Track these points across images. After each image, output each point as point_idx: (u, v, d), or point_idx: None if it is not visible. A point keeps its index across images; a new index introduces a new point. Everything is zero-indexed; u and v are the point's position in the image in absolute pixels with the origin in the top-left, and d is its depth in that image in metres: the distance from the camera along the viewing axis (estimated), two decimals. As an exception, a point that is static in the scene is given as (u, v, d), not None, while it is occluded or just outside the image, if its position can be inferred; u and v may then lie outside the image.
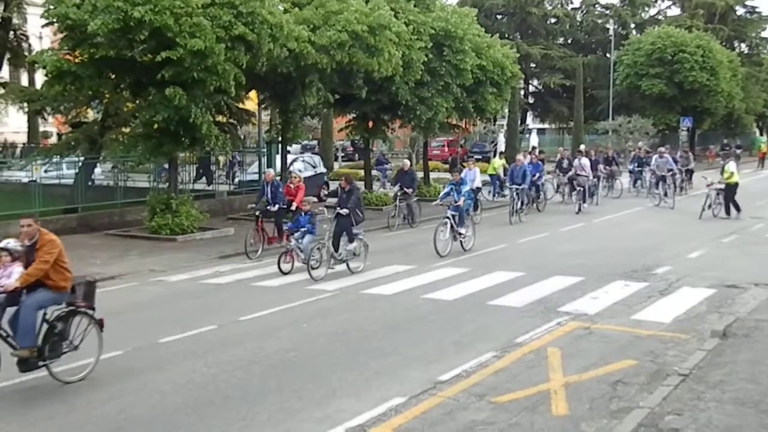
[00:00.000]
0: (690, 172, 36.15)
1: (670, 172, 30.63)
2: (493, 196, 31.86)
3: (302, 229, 16.91)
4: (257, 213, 19.38)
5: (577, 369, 10.08)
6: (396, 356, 10.79)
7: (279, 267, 16.81)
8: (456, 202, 19.39)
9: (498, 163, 33.39)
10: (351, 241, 16.83)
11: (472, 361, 10.45)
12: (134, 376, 9.97)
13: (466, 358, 10.60)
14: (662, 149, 33.14)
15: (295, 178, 20.05)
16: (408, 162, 26.90)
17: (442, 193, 20.81)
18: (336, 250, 16.63)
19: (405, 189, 24.81)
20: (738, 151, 56.98)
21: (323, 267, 16.35)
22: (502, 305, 13.81)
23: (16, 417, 8.63)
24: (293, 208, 18.65)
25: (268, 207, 19.24)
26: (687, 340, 11.42)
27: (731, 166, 26.78)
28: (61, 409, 8.83)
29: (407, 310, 13.63)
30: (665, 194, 30.12)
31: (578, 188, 28.89)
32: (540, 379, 9.73)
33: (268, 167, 29.91)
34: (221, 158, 30.35)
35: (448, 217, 19.18)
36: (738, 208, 26.20)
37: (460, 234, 19.47)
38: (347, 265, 16.84)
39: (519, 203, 25.99)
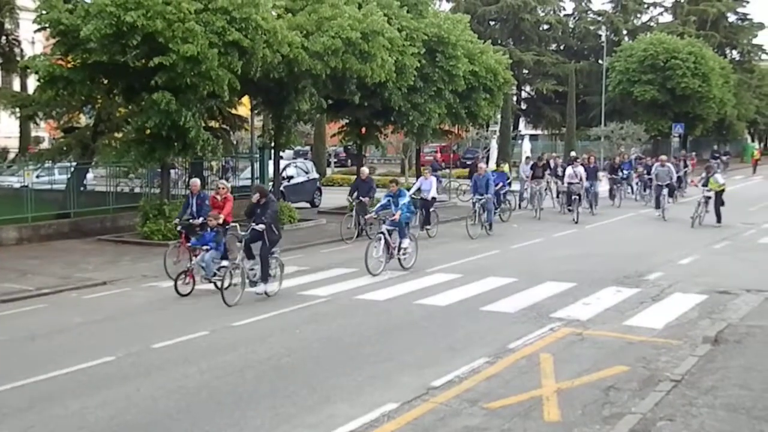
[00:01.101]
0: (680, 180, 35.93)
1: (667, 183, 29.04)
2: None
3: (205, 247, 15.12)
4: (179, 228, 17.48)
5: (570, 375, 10.09)
6: (389, 362, 10.79)
7: (176, 289, 14.92)
8: (393, 215, 17.95)
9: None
10: (264, 262, 14.86)
11: (465, 366, 10.46)
12: (127, 382, 9.94)
13: (458, 363, 10.60)
14: (663, 157, 31.74)
15: (222, 188, 17.98)
16: (366, 170, 25.21)
17: (378, 206, 19.18)
18: (249, 270, 14.80)
19: (361, 198, 23.32)
20: (725, 158, 57.21)
21: (238, 291, 14.41)
22: (494, 311, 13.82)
23: (10, 423, 8.61)
24: (220, 221, 16.26)
25: (191, 221, 17.20)
26: (679, 346, 11.44)
27: (718, 178, 26.49)
28: (55, 415, 8.81)
29: (400, 315, 13.63)
30: (665, 203, 28.54)
31: (574, 197, 28.02)
32: (532, 384, 9.74)
33: (260, 173, 29.93)
34: (214, 164, 30.27)
35: (382, 233, 17.54)
36: (719, 219, 25.86)
37: (398, 250, 17.87)
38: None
39: (484, 215, 24.07)
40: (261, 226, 14.54)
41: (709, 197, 26.02)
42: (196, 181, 18.71)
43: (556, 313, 13.60)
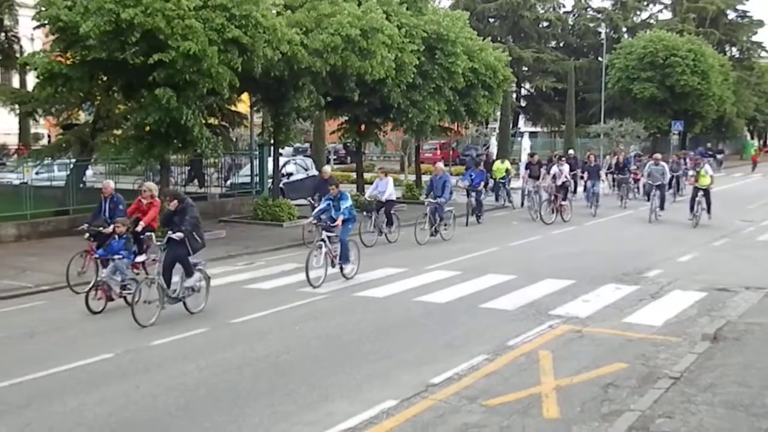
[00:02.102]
0: (678, 178, 34.77)
1: (658, 184, 27.07)
2: (503, 200, 31.72)
3: (116, 257, 13.54)
4: (87, 235, 15.59)
5: (569, 372, 10.09)
6: (388, 359, 10.79)
7: (87, 305, 13.41)
8: (333, 221, 16.40)
9: (502, 166, 32.54)
10: (189, 274, 13.37)
11: (464, 364, 10.46)
12: (125, 379, 9.94)
13: (457, 361, 10.60)
14: (658, 155, 29.64)
15: (147, 191, 16.18)
16: (328, 168, 23.87)
17: (316, 210, 17.20)
18: (168, 285, 13.13)
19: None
20: (720, 156, 57.10)
21: (155, 307, 12.83)
22: (493, 308, 13.82)
23: (8, 420, 8.61)
24: (139, 228, 14.98)
25: (102, 229, 15.28)
26: (678, 343, 11.44)
27: (708, 169, 26.02)
28: (53, 411, 8.81)
29: (399, 313, 13.63)
30: (660, 206, 26.80)
31: (553, 197, 26.51)
32: (531, 382, 9.74)
33: (259, 170, 29.94)
34: (218, 160, 30.22)
35: (323, 240, 16.08)
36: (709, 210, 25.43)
37: (340, 263, 16.41)
38: (185, 305, 13.44)
39: (437, 219, 22.14)
40: (179, 234, 12.98)
41: (706, 192, 25.26)
42: (109, 183, 17.03)
43: (555, 310, 13.60)
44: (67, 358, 10.75)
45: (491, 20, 71.19)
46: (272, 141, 26.70)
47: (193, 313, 13.37)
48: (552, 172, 27.13)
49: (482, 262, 18.73)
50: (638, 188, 34.63)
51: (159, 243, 13.36)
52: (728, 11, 77.12)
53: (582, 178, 32.69)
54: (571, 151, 38.76)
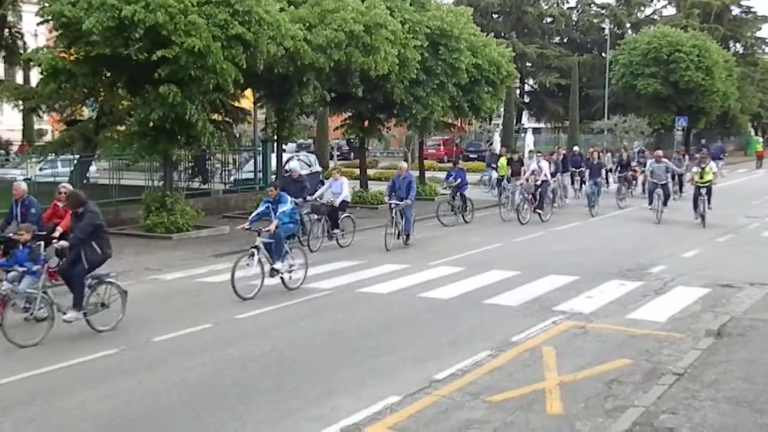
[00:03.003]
0: (680, 176, 33.05)
1: (663, 183, 25.74)
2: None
3: (21, 269, 11.74)
4: None
5: (572, 368, 10.09)
6: (391, 355, 10.79)
7: None
8: (267, 228, 14.74)
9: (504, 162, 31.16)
10: (75, 291, 11.82)
11: (468, 359, 10.46)
12: (129, 375, 9.95)
13: (461, 356, 10.60)
14: (659, 152, 28.37)
15: (62, 193, 14.41)
16: (296, 167, 22.55)
17: (254, 214, 15.47)
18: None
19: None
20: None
21: (44, 326, 11.53)
22: (497, 304, 13.81)
23: (12, 415, 8.62)
24: (56, 234, 13.12)
25: (11, 235, 13.14)
26: (682, 339, 11.43)
27: (713, 166, 25.31)
28: (57, 407, 8.82)
29: (403, 309, 13.63)
30: (664, 203, 25.54)
31: (528, 196, 25.28)
32: (535, 377, 9.74)
33: (263, 165, 29.93)
34: (227, 156, 30.19)
35: (256, 247, 14.49)
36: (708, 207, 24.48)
37: (275, 271, 14.76)
38: (89, 323, 11.97)
39: (403, 224, 20.36)
40: (62, 243, 11.68)
41: (708, 189, 24.30)
42: (20, 185, 15.03)
43: (559, 306, 13.59)
44: (70, 354, 10.76)
45: (495, 16, 71.20)
46: (276, 137, 26.70)
47: (100, 332, 11.90)
48: (531, 168, 25.96)
49: (485, 258, 18.71)
50: (636, 185, 33.56)
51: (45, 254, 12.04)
52: (732, 7, 76.92)
53: (581, 175, 32.26)
54: (576, 148, 38.50)
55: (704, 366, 9.91)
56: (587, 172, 30.15)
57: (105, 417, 8.57)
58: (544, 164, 26.33)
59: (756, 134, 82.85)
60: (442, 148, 56.53)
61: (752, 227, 24.42)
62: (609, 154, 39.36)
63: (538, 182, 25.41)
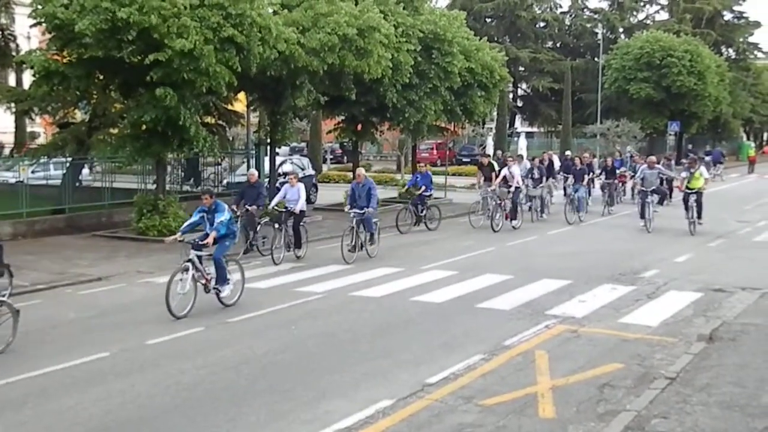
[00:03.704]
0: (671, 181, 31.31)
1: (653, 189, 24.58)
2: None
3: None
4: None
5: (565, 372, 10.10)
6: (384, 358, 10.80)
7: None
8: (202, 239, 13.68)
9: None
10: None
11: (460, 363, 10.47)
12: (122, 378, 9.93)
13: (454, 360, 10.61)
14: (652, 158, 27.06)
15: None
16: (255, 173, 21.00)
17: (185, 224, 14.26)
18: None
19: (247, 207, 19.04)
20: (707, 159, 56.91)
21: None
22: (490, 308, 13.83)
23: (5, 417, 8.60)
24: None
25: None
26: (674, 344, 11.46)
27: (703, 171, 23.99)
28: (49, 410, 8.79)
29: (396, 312, 13.63)
30: (659, 203, 25.15)
31: (498, 203, 24.26)
32: (527, 381, 9.75)
33: (256, 169, 29.87)
34: (219, 159, 30.13)
35: (190, 260, 13.40)
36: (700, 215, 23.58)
37: (215, 288, 13.82)
38: None
39: (366, 234, 19.06)
40: None
41: (698, 195, 23.30)
42: None
43: (552, 310, 13.61)
44: (62, 356, 10.74)
45: (488, 20, 71.31)
46: (269, 140, 26.70)
47: None
48: (502, 173, 24.91)
49: (479, 261, 18.73)
50: (624, 191, 32.87)
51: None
52: (724, 12, 77.17)
53: (566, 180, 29.96)
54: (567, 153, 38.55)
55: (696, 370, 9.94)
56: (570, 178, 28.57)
57: (97, 420, 8.55)
58: (516, 170, 25.26)
59: (748, 139, 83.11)
60: (435, 151, 56.56)
61: (744, 232, 24.50)
62: (597, 159, 38.75)
63: (511, 188, 24.51)
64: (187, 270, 13.27)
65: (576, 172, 27.71)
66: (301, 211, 18.83)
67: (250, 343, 11.60)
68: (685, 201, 23.68)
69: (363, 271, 17.14)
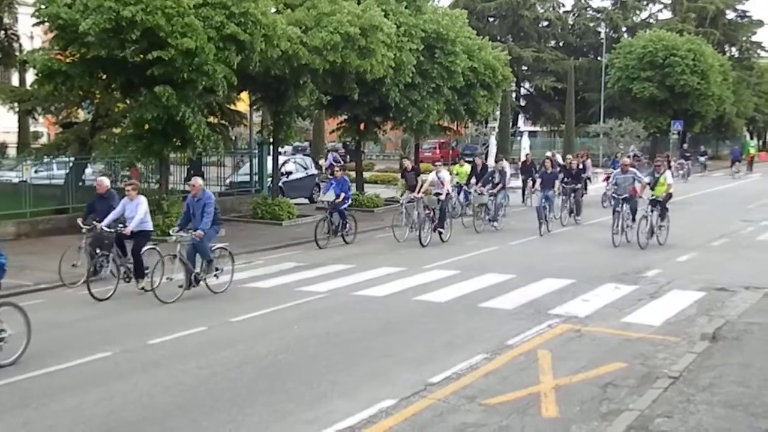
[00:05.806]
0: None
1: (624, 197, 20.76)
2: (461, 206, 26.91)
3: None
4: None
5: (568, 371, 10.09)
6: (387, 358, 10.78)
7: None
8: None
9: (462, 170, 28.42)
10: None
11: (463, 363, 10.45)
12: (124, 378, 9.93)
13: (457, 360, 10.59)
14: (626, 160, 22.65)
15: None
16: (105, 180, 17.07)
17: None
18: None
19: (95, 222, 15.57)
20: (702, 159, 56.73)
21: None
22: (493, 307, 13.81)
23: (7, 417, 8.60)
24: None
25: None
26: (677, 343, 11.44)
27: (667, 176, 21.01)
28: (52, 411, 8.79)
29: (399, 311, 13.62)
30: (632, 219, 20.85)
31: (428, 212, 21.33)
32: (530, 381, 9.73)
33: (259, 169, 29.89)
34: (222, 158, 30.13)
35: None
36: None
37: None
38: None
39: (203, 263, 15.02)
40: None
41: (656, 203, 20.53)
42: None
43: (555, 309, 13.59)
44: (65, 356, 10.74)
45: (491, 19, 71.27)
46: (272, 140, 26.70)
47: None
48: (429, 179, 22.60)
49: (481, 261, 18.71)
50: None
51: None
52: (728, 11, 77.09)
53: (534, 185, 27.30)
54: (554, 154, 34.43)
55: (699, 370, 9.91)
56: (539, 182, 25.17)
57: (99, 420, 8.55)
58: (445, 175, 22.57)
59: (751, 138, 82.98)
60: (438, 151, 56.47)
61: (747, 231, 24.44)
62: (589, 161, 36.59)
63: (442, 197, 21.79)
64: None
65: (546, 177, 24.50)
66: (141, 231, 15.20)
67: (251, 343, 11.59)
68: (650, 208, 20.56)
69: (365, 271, 17.13)
